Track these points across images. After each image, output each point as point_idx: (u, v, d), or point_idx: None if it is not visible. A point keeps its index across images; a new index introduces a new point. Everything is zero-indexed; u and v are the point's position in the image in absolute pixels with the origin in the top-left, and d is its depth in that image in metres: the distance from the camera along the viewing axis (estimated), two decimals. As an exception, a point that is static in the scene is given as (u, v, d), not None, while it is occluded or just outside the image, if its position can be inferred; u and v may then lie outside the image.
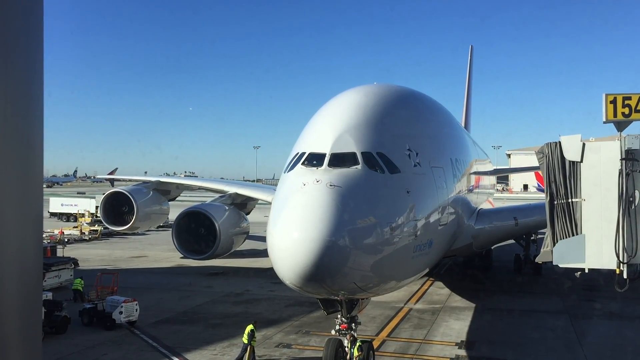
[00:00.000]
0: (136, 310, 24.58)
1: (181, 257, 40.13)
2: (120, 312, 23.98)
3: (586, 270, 15.46)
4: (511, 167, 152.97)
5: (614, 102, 14.93)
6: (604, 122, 15.15)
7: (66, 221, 69.53)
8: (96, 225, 60.11)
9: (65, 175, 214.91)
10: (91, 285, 28.37)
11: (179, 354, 20.78)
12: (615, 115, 14.92)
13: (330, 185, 15.24)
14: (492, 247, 38.89)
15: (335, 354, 18.13)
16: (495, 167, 61.08)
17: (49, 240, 45.34)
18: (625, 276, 14.59)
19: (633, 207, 14.68)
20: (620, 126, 15.24)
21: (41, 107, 2.99)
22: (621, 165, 14.78)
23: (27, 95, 2.86)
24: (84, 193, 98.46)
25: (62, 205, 74.17)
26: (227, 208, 38.79)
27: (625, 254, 14.49)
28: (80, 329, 23.88)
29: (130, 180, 58.56)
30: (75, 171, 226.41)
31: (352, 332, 18.09)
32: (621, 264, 14.57)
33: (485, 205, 37.02)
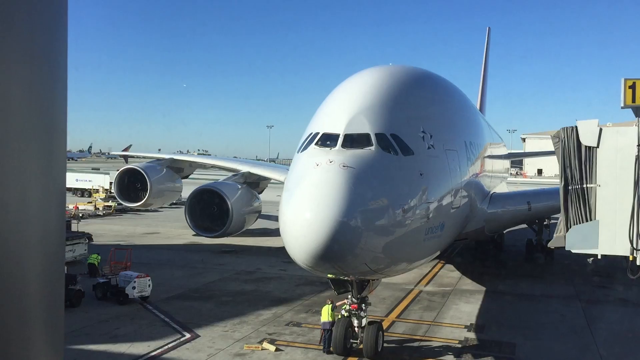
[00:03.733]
0: (149, 285, 24.86)
1: (193, 235, 40.44)
2: (133, 287, 24.27)
3: (599, 257, 15.38)
4: (526, 151, 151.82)
5: (632, 87, 14.71)
6: (622, 108, 14.95)
7: (80, 196, 70.17)
8: (110, 201, 60.65)
9: (80, 151, 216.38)
10: (105, 260, 28.71)
11: (190, 329, 21.04)
12: (633, 100, 14.71)
13: (344, 166, 15.23)
14: (504, 232, 38.78)
15: (345, 333, 18.29)
16: (509, 151, 60.67)
17: (63, 215, 45.72)
18: (638, 263, 14.50)
19: (649, 193, 14.53)
20: (638, 112, 15.02)
21: (65, 80, 3.01)
22: (638, 152, 14.61)
23: (50, 67, 2.88)
24: (99, 169, 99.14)
25: (76, 180, 74.77)
26: (239, 187, 38.91)
27: (639, 241, 14.39)
28: (93, 303, 24.22)
29: (144, 157, 58.88)
30: (90, 147, 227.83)
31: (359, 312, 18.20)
32: (634, 251, 14.47)
33: (499, 189, 36.83)
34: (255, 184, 41.58)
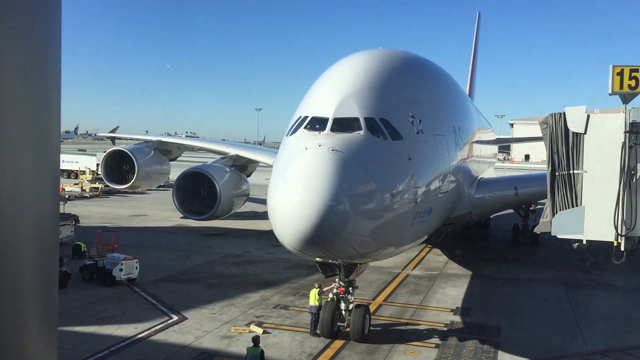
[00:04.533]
0: (136, 268, 24.82)
1: (181, 217, 40.34)
2: (121, 270, 24.23)
3: (584, 242, 15.53)
4: (514, 136, 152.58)
5: (620, 74, 14.75)
6: (610, 94, 15.00)
7: (67, 178, 69.64)
8: (97, 183, 60.21)
9: (66, 132, 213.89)
10: (92, 242, 28.58)
11: (177, 311, 21.07)
12: (621, 87, 14.76)
13: (332, 150, 15.21)
14: (491, 217, 39.05)
15: (332, 316, 18.42)
16: (497, 137, 60.87)
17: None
18: (622, 248, 14.67)
19: (634, 180, 14.66)
20: (626, 98, 15.08)
21: (58, 58, 2.99)
22: (625, 138, 14.70)
23: (44, 49, 2.86)
24: (85, 150, 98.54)
25: (63, 161, 74.07)
26: (227, 170, 38.79)
27: (624, 227, 14.55)
28: (80, 285, 24.17)
29: (131, 139, 58.38)
30: (77, 128, 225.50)
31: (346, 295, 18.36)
32: (619, 237, 14.63)
33: (486, 174, 37.03)
34: (244, 167, 41.46)
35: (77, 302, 21.88)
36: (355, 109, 16.71)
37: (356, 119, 16.46)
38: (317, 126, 16.54)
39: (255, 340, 16.07)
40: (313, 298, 19.09)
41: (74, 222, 32.87)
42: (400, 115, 18.00)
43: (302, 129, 16.84)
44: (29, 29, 2.71)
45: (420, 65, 24.48)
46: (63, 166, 73.37)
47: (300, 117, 17.39)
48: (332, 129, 16.16)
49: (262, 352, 15.79)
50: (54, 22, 2.92)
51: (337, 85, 18.08)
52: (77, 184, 60.71)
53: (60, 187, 53.88)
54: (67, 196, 50.65)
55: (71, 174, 70.77)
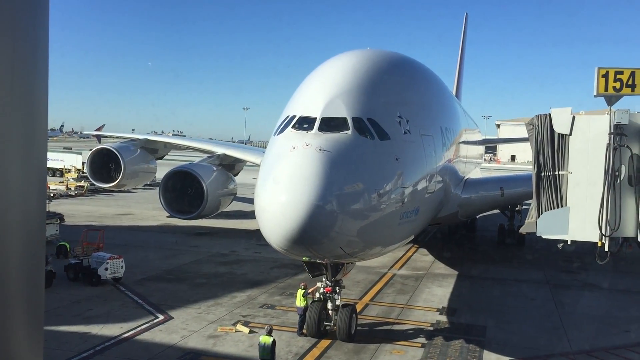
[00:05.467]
0: (122, 267, 24.66)
1: (167, 216, 40.13)
2: (106, 269, 24.06)
3: (569, 242, 15.69)
4: (500, 137, 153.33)
5: (605, 75, 14.93)
6: (595, 96, 15.17)
7: (52, 176, 69.00)
8: (82, 182, 59.74)
9: (52, 130, 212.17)
10: (77, 241, 28.35)
11: (163, 311, 20.96)
12: (606, 89, 14.94)
13: (320, 150, 15.22)
14: (477, 217, 39.26)
15: (319, 316, 18.42)
16: (484, 137, 61.22)
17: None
18: (606, 249, 14.83)
19: (618, 181, 14.83)
20: (611, 100, 15.26)
21: (46, 57, 2.97)
22: (609, 140, 14.87)
23: (32, 47, 2.85)
24: (70, 148, 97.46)
25: (48, 160, 73.16)
26: (215, 169, 38.67)
27: (608, 227, 14.70)
28: (65, 284, 23.96)
29: (117, 138, 57.95)
30: (62, 126, 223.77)
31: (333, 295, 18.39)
32: (603, 237, 14.79)
33: (473, 175, 37.23)
34: (231, 166, 41.35)
35: (62, 301, 21.70)
36: (343, 109, 16.73)
37: (344, 119, 16.48)
38: (305, 126, 16.54)
39: (269, 330, 16.32)
40: (299, 299, 19.10)
41: (59, 221, 32.55)
42: (388, 115, 18.05)
43: (289, 128, 16.83)
44: (17, 28, 2.70)
45: (407, 66, 24.55)
46: (48, 164, 72.63)
47: (288, 116, 17.38)
48: (320, 129, 16.17)
49: (274, 341, 15.98)
50: (41, 21, 2.91)
51: (325, 85, 18.09)
52: (63, 182, 60.23)
53: (46, 185, 53.51)
54: (52, 194, 50.16)
55: (56, 172, 70.13)
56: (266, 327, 16.75)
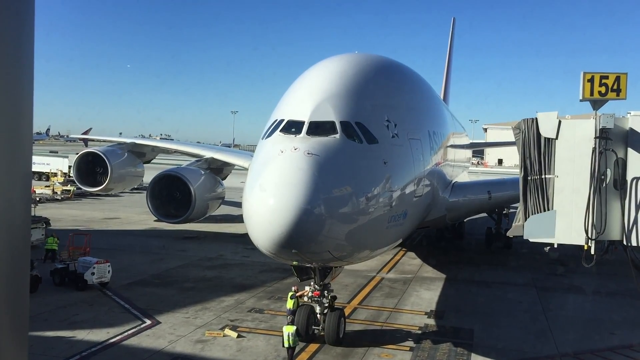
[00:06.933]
0: (108, 271, 24.48)
1: (155, 220, 39.93)
2: (93, 273, 23.87)
3: (555, 245, 15.78)
4: (487, 141, 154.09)
5: (591, 80, 15.04)
6: (581, 100, 15.29)
7: (38, 180, 68.43)
8: (69, 185, 59.31)
9: (38, 133, 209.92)
10: (63, 246, 28.12)
11: (150, 315, 20.83)
12: (592, 93, 15.05)
13: (308, 154, 15.22)
14: (465, 220, 39.43)
15: (307, 320, 18.39)
16: (471, 141, 61.54)
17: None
18: (592, 252, 14.94)
19: (604, 185, 14.95)
20: (596, 105, 15.38)
21: (31, 61, 2.95)
22: (595, 144, 14.99)
23: (17, 50, 2.83)
24: (57, 152, 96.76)
25: (34, 163, 72.47)
26: (202, 172, 38.55)
27: (594, 231, 14.81)
28: (51, 289, 23.74)
29: (104, 141, 57.71)
30: (48, 129, 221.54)
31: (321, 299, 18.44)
32: (589, 240, 14.89)
33: (460, 178, 37.40)
34: (219, 170, 41.24)
35: (47, 306, 21.49)
36: (331, 113, 16.75)
37: (332, 123, 16.50)
38: (293, 129, 16.54)
39: (292, 320, 17.63)
40: (289, 301, 19.13)
41: (44, 225, 32.27)
42: (376, 119, 18.09)
43: (278, 132, 16.83)
44: (1, 31, 2.68)
45: (395, 70, 24.63)
46: (34, 168, 72.01)
47: (276, 120, 17.37)
48: (308, 133, 16.17)
49: (298, 330, 17.08)
50: (26, 24, 2.89)
51: (313, 89, 18.10)
52: (49, 186, 59.73)
53: (31, 189, 53.05)
54: (37, 199, 49.75)
55: (42, 176, 69.58)
56: (288, 317, 17.96)
